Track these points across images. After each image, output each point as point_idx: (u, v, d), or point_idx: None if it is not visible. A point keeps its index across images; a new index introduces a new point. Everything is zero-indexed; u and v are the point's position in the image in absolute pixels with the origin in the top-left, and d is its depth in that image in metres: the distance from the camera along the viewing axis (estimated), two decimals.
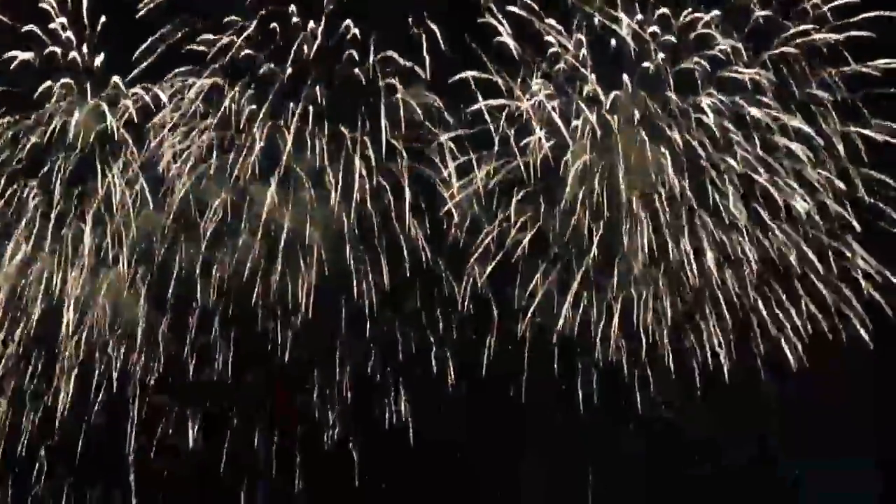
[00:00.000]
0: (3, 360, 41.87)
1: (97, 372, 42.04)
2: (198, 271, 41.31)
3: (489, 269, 40.63)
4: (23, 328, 41.57)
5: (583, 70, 40.05)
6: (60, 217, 41.50)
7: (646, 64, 39.65)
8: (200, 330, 42.39)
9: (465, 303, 41.17)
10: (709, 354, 39.64)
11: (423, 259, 41.17)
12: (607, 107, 39.69)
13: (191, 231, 41.39)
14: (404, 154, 40.97)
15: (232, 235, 41.28)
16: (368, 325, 41.80)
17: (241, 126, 40.71)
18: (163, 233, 41.29)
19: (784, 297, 39.72)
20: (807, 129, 38.94)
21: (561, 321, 40.11)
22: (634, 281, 39.65)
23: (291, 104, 40.71)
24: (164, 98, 40.74)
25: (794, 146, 39.11)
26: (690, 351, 39.90)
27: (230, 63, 40.45)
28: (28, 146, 41.01)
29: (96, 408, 42.37)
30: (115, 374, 42.27)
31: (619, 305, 39.82)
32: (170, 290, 41.67)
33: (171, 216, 41.21)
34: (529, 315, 40.52)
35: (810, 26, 39.29)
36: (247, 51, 40.55)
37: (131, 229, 41.17)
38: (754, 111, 39.08)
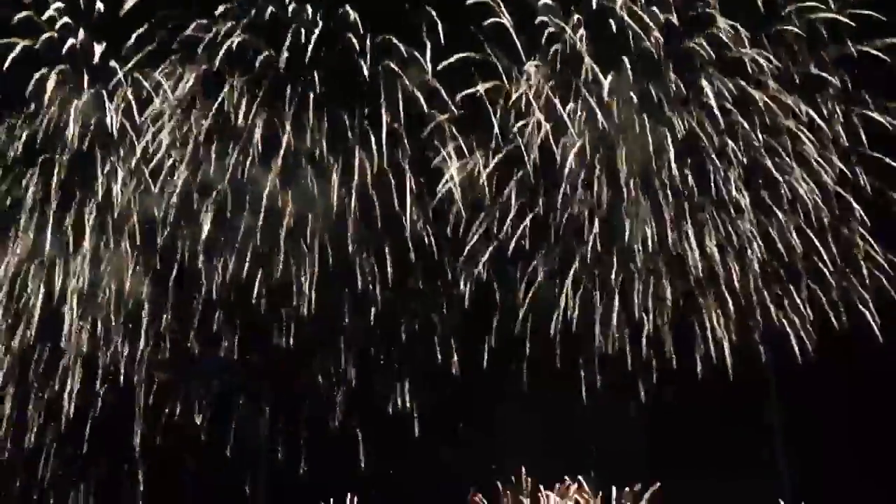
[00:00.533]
0: (10, 351, 42.23)
1: (101, 355, 42.36)
2: (201, 256, 41.40)
3: (490, 249, 40.54)
4: (27, 317, 41.77)
5: (580, 50, 39.59)
6: (62, 205, 41.59)
7: (645, 44, 39.11)
8: (205, 313, 42.76)
9: (467, 284, 41.14)
10: (710, 340, 39.41)
11: (426, 241, 41.13)
12: (606, 88, 39.22)
13: (192, 216, 41.44)
14: (404, 136, 40.77)
15: (234, 219, 41.26)
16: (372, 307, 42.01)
17: (240, 112, 40.48)
18: (164, 218, 41.27)
19: (787, 281, 39.44)
20: (808, 109, 38.38)
21: (562, 303, 39.98)
22: (635, 264, 39.39)
23: (289, 89, 40.49)
24: (165, 85, 40.64)
25: (794, 125, 38.64)
26: (692, 336, 39.68)
27: (228, 50, 40.14)
28: (27, 134, 41.00)
29: (103, 390, 42.78)
30: (122, 352, 42.62)
31: (619, 289, 39.64)
32: (172, 274, 41.87)
33: (172, 201, 41.15)
34: (530, 297, 40.44)
35: (811, 4, 38.70)
36: (244, 36, 40.25)
37: (133, 215, 41.25)
38: (755, 92, 38.54)
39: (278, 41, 40.27)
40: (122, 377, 42.60)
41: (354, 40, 40.14)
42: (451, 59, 39.93)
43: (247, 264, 41.06)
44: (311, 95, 40.50)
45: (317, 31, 40.08)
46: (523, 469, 43.18)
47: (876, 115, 38.49)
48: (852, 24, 38.13)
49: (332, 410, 43.99)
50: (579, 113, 39.59)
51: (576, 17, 39.61)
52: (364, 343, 43.31)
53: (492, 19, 39.75)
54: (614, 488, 42.83)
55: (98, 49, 40.80)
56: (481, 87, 40.00)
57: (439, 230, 41.08)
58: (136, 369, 42.96)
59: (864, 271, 39.09)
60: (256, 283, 41.39)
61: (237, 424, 44.66)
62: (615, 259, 39.70)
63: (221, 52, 40.04)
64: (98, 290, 41.90)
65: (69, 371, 42.32)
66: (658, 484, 45.90)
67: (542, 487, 42.95)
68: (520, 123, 39.94)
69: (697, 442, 41.73)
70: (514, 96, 39.92)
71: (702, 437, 41.08)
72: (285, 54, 40.19)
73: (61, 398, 42.42)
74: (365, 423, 43.99)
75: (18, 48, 40.20)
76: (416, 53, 40.23)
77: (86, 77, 40.93)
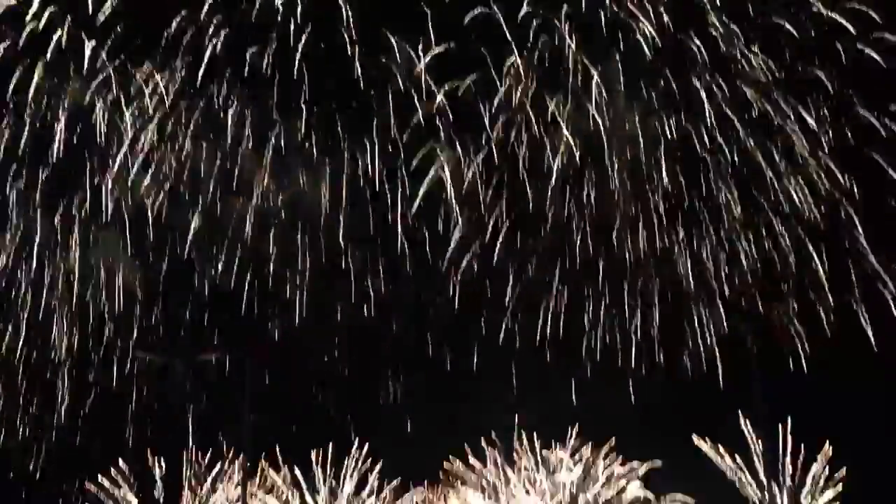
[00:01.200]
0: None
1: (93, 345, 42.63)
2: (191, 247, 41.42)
3: (476, 244, 40.26)
4: (18, 311, 41.85)
5: (569, 44, 38.75)
6: (51, 198, 41.44)
7: (635, 40, 38.17)
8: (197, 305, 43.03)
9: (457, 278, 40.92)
10: (699, 339, 39.13)
11: (416, 234, 40.89)
12: (594, 83, 38.46)
13: (182, 207, 41.32)
14: (393, 129, 40.31)
15: (225, 212, 41.12)
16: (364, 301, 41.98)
17: (230, 106, 40.10)
18: (157, 210, 41.14)
19: (777, 282, 38.89)
20: (800, 108, 37.56)
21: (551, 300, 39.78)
22: (625, 262, 39.02)
23: (278, 83, 39.96)
24: (154, 78, 40.15)
25: (785, 124, 37.87)
26: (681, 335, 39.34)
27: (216, 43, 39.57)
28: (14, 127, 40.65)
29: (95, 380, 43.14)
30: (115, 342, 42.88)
31: (609, 287, 39.34)
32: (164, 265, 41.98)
33: (164, 190, 41.01)
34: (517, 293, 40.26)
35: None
36: (232, 30, 39.61)
37: (122, 207, 41.11)
38: (747, 90, 37.74)
39: (267, 35, 39.68)
40: (115, 367, 42.99)
41: (344, 34, 39.50)
42: (439, 51, 39.19)
43: (237, 257, 41.14)
44: (301, 89, 40.03)
45: (308, 27, 39.50)
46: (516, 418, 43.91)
47: (868, 116, 37.51)
48: (845, 23, 37.05)
49: (324, 401, 44.28)
50: (567, 107, 38.89)
51: (565, 7, 38.70)
52: (356, 335, 43.32)
53: (480, 9, 38.85)
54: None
55: (85, 42, 40.22)
56: (469, 80, 39.32)
57: (429, 224, 40.81)
58: (131, 357, 43.32)
59: (855, 274, 38.40)
60: (248, 276, 41.47)
61: (227, 414, 45.06)
62: (603, 257, 39.36)
63: (209, 46, 39.52)
64: (88, 281, 41.94)
65: (61, 363, 42.69)
66: (658, 462, 46.33)
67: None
68: (503, 118, 39.33)
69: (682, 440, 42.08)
70: (501, 90, 39.25)
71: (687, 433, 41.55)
72: (274, 45, 39.66)
73: (55, 391, 42.87)
74: (357, 414, 44.31)
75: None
76: (407, 46, 39.57)
77: (73, 70, 40.45)
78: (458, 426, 44.34)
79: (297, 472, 51.31)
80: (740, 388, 39.63)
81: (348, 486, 52.00)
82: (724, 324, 39.07)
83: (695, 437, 44.16)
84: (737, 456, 46.52)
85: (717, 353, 39.13)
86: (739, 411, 42.90)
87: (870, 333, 37.75)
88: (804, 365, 38.41)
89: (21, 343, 41.97)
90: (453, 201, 40.04)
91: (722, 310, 38.94)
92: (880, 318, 37.70)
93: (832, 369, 37.04)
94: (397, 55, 39.50)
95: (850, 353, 37.10)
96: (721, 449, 45.80)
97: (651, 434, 42.63)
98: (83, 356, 43.10)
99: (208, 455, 51.09)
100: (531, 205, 39.63)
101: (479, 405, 43.10)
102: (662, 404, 40.18)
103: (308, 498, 52.50)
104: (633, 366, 39.97)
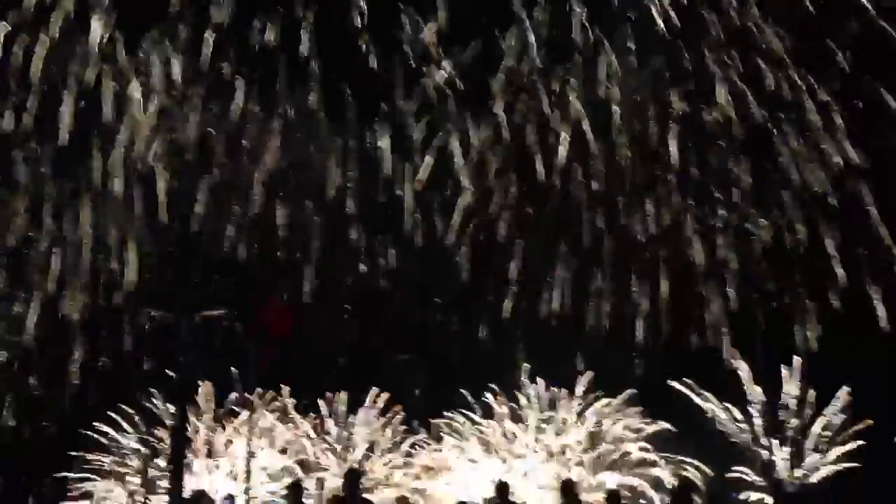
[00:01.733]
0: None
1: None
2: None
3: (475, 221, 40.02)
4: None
5: (579, 15, 37.95)
6: (62, 168, 41.40)
7: (645, 9, 37.35)
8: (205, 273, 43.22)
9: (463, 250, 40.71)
10: (708, 320, 38.72)
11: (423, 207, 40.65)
12: (605, 54, 37.76)
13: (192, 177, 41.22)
14: (401, 100, 39.83)
15: (235, 181, 41.01)
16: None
17: (236, 77, 39.64)
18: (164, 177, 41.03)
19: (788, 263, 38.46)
20: (815, 84, 36.78)
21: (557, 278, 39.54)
22: (632, 241, 38.68)
23: (285, 55, 39.48)
24: (167, 47, 39.78)
25: (800, 100, 37.09)
26: (689, 316, 39.05)
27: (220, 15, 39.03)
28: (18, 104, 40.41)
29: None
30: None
31: (615, 266, 39.06)
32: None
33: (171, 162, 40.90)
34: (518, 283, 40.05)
35: None
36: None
37: (132, 175, 41.04)
38: (761, 64, 36.93)
39: (273, 6, 39.11)
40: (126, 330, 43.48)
41: (351, 5, 38.81)
42: (448, 21, 38.43)
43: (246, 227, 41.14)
44: (309, 61, 39.47)
45: None
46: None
47: (885, 94, 36.69)
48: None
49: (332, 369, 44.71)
50: (576, 78, 38.26)
51: None
52: (364, 305, 43.51)
53: None
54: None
55: (92, 12, 39.82)
56: (477, 50, 38.71)
57: (437, 195, 40.49)
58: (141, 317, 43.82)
59: (867, 251, 37.80)
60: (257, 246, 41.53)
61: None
62: (611, 229, 39.05)
63: (213, 19, 38.96)
64: (99, 248, 42.15)
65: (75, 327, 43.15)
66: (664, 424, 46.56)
67: None
68: (511, 89, 38.69)
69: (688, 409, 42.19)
70: (510, 60, 38.59)
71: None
72: (281, 16, 39.10)
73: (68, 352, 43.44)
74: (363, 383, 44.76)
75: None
76: (416, 17, 38.92)
77: (79, 41, 40.06)
78: (465, 391, 44.82)
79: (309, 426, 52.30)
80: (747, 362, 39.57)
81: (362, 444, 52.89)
82: (733, 299, 38.61)
83: (672, 382, 44.16)
84: (727, 404, 46.83)
85: (725, 329, 38.80)
86: (738, 361, 42.85)
87: (880, 313, 37.16)
88: (814, 342, 38.11)
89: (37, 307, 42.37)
90: (460, 173, 39.71)
91: (731, 285, 38.51)
92: (892, 297, 37.12)
93: (841, 347, 36.77)
94: (406, 26, 39.04)
95: (860, 331, 36.71)
96: (702, 391, 45.91)
97: (654, 409, 43.04)
98: (95, 319, 43.50)
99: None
100: (539, 175, 39.23)
101: (485, 374, 43.47)
102: (668, 376, 40.33)
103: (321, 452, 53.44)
104: (639, 338, 39.73)
